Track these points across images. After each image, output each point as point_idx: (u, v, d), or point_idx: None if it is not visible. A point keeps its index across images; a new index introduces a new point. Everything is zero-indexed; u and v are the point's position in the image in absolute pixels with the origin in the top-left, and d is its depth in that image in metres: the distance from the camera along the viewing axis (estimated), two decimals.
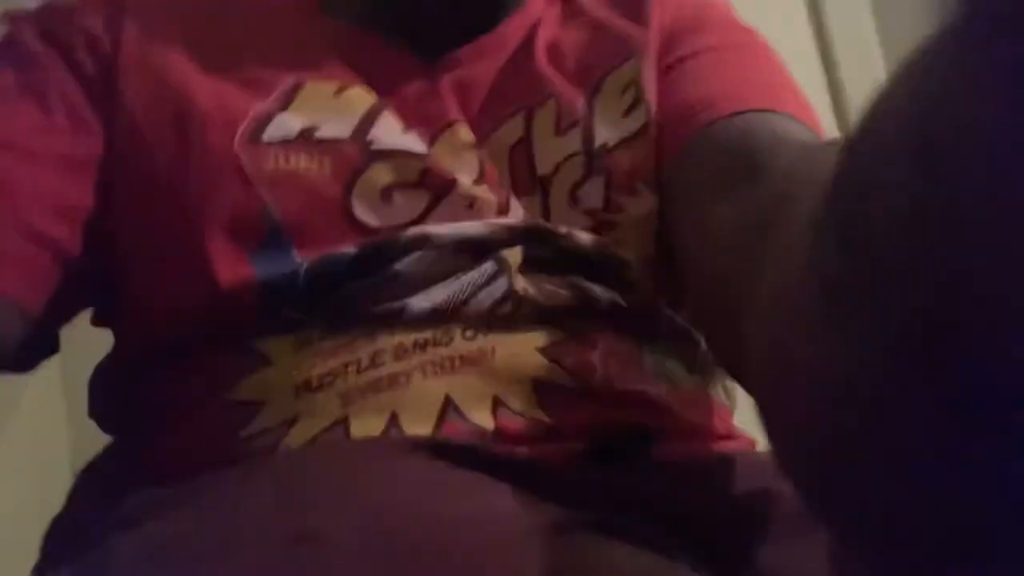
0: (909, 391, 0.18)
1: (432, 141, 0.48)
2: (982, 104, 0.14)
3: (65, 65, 0.47)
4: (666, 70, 0.52)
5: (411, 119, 0.49)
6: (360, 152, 0.46)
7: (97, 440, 0.49)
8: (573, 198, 0.48)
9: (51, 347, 0.49)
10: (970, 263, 0.15)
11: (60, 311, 0.47)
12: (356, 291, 0.43)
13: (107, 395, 0.49)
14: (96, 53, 0.48)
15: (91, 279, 0.47)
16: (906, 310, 0.17)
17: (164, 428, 0.44)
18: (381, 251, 0.43)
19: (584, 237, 0.47)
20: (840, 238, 0.20)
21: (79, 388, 0.50)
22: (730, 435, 0.49)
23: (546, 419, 0.41)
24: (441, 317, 0.42)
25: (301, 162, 0.45)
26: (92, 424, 0.50)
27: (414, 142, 0.47)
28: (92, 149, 0.46)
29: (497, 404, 0.41)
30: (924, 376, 0.17)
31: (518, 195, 0.48)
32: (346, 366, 0.41)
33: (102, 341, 0.50)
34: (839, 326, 0.20)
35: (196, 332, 0.44)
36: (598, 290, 0.46)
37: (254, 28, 0.51)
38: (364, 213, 0.45)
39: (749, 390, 0.31)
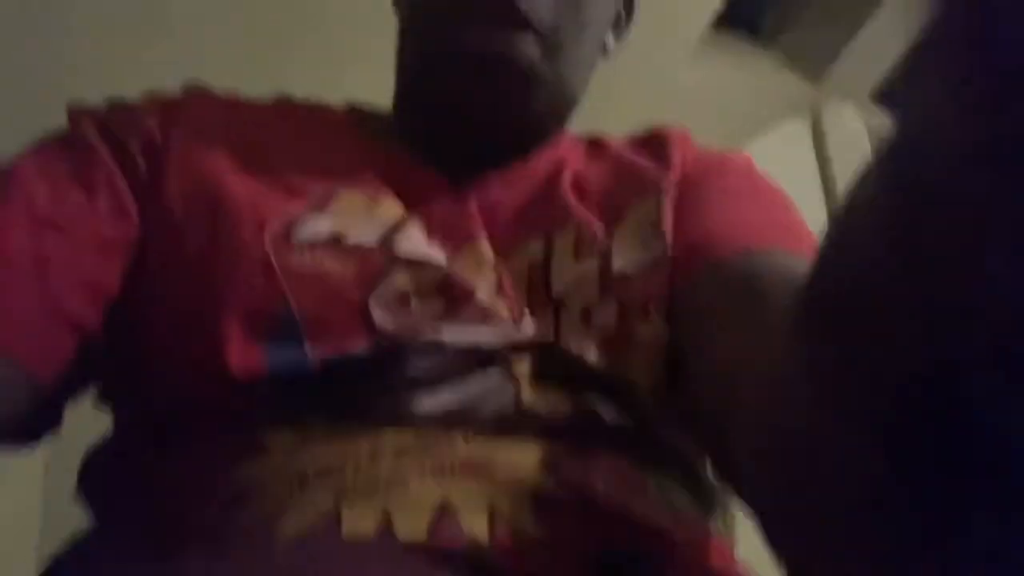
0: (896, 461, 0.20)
1: (454, 254, 0.50)
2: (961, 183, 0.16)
3: (115, 157, 0.50)
4: (684, 207, 0.54)
5: (436, 232, 0.51)
6: (384, 258, 0.47)
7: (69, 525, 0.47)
8: (586, 319, 0.49)
9: (56, 422, 0.49)
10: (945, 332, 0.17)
11: (70, 386, 0.47)
12: (363, 389, 0.43)
13: (100, 476, 0.49)
14: (147, 150, 0.50)
15: (104, 357, 0.48)
16: (886, 382, 0.19)
17: (154, 509, 0.43)
18: (392, 352, 0.44)
19: (594, 357, 0.47)
20: (821, 319, 0.22)
21: (59, 471, 0.50)
22: (729, 568, 0.48)
23: (542, 534, 0.40)
24: (445, 420, 0.42)
25: (325, 262, 0.46)
26: (65, 511, 0.49)
27: (436, 253, 0.49)
28: (128, 234, 0.48)
29: (493, 514, 0.40)
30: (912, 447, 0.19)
31: (532, 312, 0.49)
32: (344, 462, 0.41)
33: (84, 427, 0.50)
34: (824, 402, 0.22)
35: (200, 416, 0.44)
36: (604, 410, 0.46)
37: (295, 140, 0.55)
38: (381, 316, 0.45)
39: (748, 500, 0.33)
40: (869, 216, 0.20)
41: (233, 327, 0.44)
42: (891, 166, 0.19)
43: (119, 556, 0.41)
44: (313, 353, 0.44)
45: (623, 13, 0.64)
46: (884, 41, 1.86)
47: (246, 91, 0.59)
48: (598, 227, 0.52)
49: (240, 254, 0.46)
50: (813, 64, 1.95)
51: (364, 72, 0.81)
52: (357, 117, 0.61)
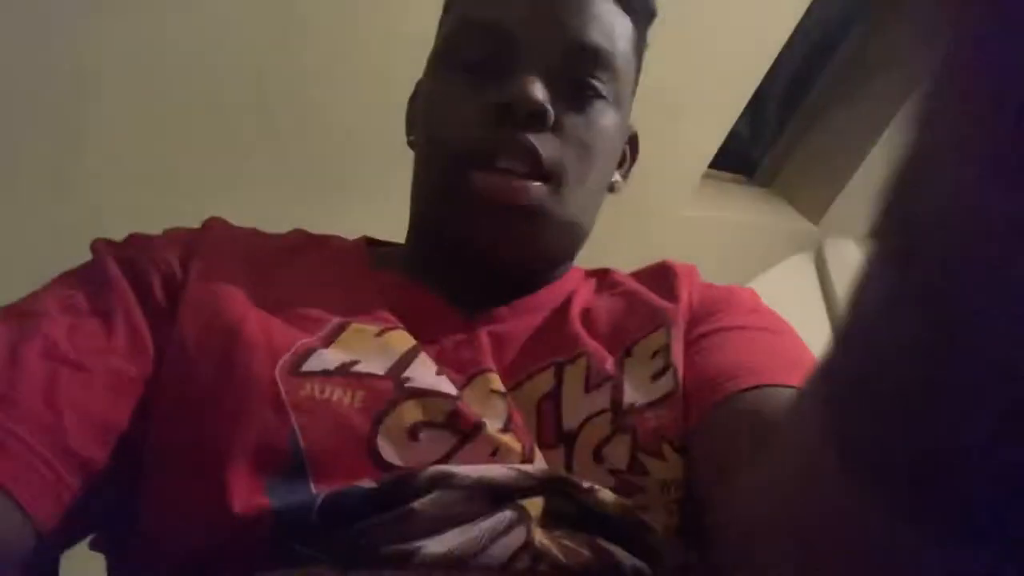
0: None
1: (464, 386, 0.49)
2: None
3: (135, 291, 0.50)
4: (694, 342, 0.54)
5: (446, 363, 0.50)
6: (393, 388, 0.46)
7: None
8: (598, 455, 0.48)
9: (52, 571, 0.46)
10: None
11: (70, 533, 0.45)
12: (369, 528, 0.41)
13: None
14: (167, 283, 0.51)
15: (108, 501, 0.46)
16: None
17: None
18: (399, 487, 0.42)
19: (608, 495, 0.45)
20: (845, 389, 0.22)
21: None
22: None
23: None
24: (454, 564, 0.40)
25: (335, 393, 0.45)
26: None
27: (446, 384, 0.48)
28: (143, 369, 0.48)
29: None
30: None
31: (543, 447, 0.48)
32: None
33: None
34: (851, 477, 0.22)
35: (202, 561, 0.42)
36: (621, 554, 0.43)
37: (310, 273, 0.55)
38: (388, 449, 0.44)
39: None
40: (894, 294, 0.21)
41: (238, 466, 0.43)
42: (916, 240, 0.20)
43: None
44: (317, 490, 0.42)
45: (628, 152, 0.67)
46: (882, 178, 1.92)
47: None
48: (608, 359, 0.52)
49: (250, 386, 0.45)
50: (813, 203, 2.01)
51: (376, 210, 0.83)
52: (371, 249, 0.63)
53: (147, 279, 0.51)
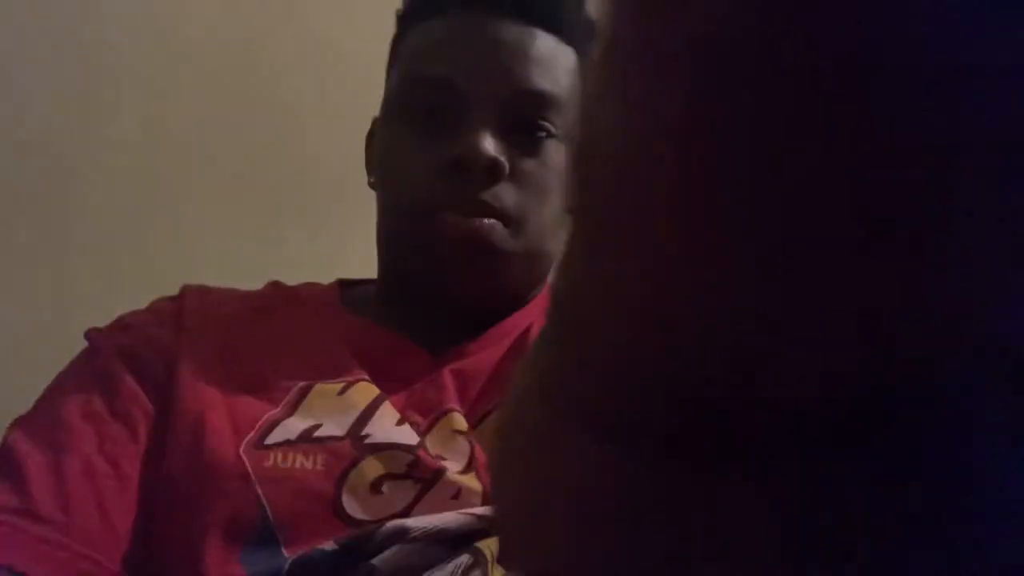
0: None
1: (428, 429, 0.52)
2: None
3: (140, 381, 0.53)
4: None
5: (412, 407, 0.53)
6: (353, 447, 0.49)
7: None
8: None
9: None
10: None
11: None
12: None
13: None
14: (164, 361, 0.54)
15: None
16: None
17: None
18: (359, 546, 0.44)
19: None
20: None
21: None
22: None
23: None
24: None
25: (297, 461, 0.48)
26: None
27: (407, 434, 0.50)
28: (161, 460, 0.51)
29: None
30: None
31: None
32: None
33: None
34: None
35: None
36: None
37: (278, 336, 0.58)
38: (353, 507, 0.47)
39: None
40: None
41: (212, 542, 0.46)
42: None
43: None
44: (288, 555, 0.45)
45: None
46: None
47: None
48: None
49: (217, 468, 0.48)
50: None
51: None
52: (344, 292, 0.64)
53: (146, 363, 0.53)
